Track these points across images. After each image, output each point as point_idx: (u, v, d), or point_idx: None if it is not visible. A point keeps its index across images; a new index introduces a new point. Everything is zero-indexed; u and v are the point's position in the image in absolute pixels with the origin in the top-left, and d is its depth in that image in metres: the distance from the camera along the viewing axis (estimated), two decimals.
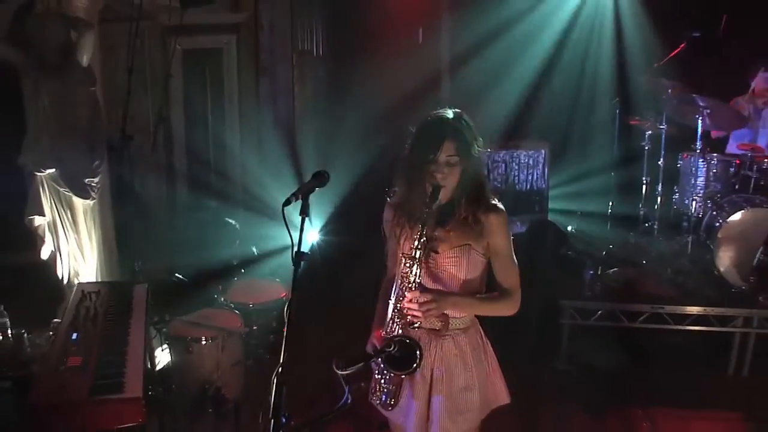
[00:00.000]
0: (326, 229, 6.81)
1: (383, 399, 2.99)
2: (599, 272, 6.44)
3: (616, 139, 7.83)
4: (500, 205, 2.94)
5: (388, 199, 3.09)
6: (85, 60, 5.01)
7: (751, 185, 6.51)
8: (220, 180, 7.18)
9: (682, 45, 6.78)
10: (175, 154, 7.26)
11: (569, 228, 7.63)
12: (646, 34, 7.81)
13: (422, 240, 2.80)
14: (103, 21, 5.56)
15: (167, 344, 4.51)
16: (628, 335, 5.94)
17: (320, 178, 2.76)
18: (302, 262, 2.59)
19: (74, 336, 3.50)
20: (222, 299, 4.94)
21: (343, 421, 4.62)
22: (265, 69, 7.61)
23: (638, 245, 7.17)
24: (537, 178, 7.44)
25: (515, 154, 7.45)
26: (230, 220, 5.91)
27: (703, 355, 5.91)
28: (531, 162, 7.42)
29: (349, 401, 2.87)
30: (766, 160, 6.52)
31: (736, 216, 6.13)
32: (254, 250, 5.89)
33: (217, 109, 7.55)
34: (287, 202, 2.63)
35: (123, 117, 5.05)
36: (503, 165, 7.37)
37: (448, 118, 2.85)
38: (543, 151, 7.52)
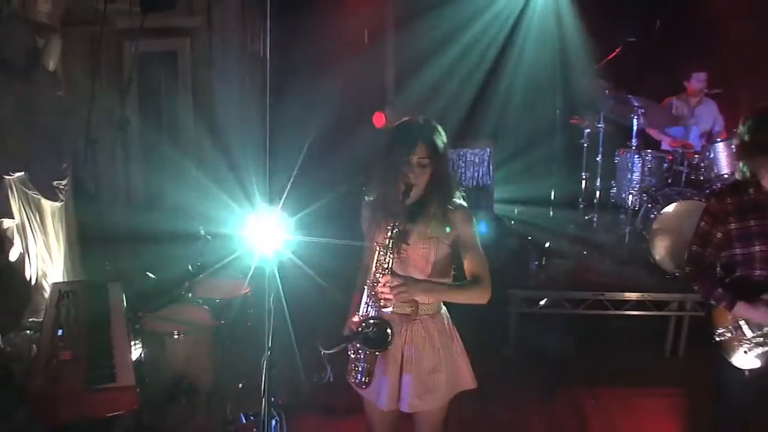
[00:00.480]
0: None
1: (359, 378, 3.23)
2: (543, 263, 6.76)
3: (557, 137, 8.15)
4: (464, 203, 3.24)
5: (365, 198, 3.36)
6: (51, 65, 5.06)
7: (683, 179, 6.95)
8: (177, 180, 7.24)
9: (619, 49, 7.16)
10: (132, 155, 7.29)
11: (513, 222, 7.93)
12: (585, 39, 8.17)
13: (395, 230, 3.07)
14: (63, 25, 5.61)
15: (140, 339, 4.63)
16: (572, 321, 6.26)
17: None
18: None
19: (60, 332, 3.62)
20: (189, 295, 5.08)
21: (309, 413, 4.89)
22: (219, 71, 7.70)
23: (579, 236, 7.50)
24: (483, 175, 7.65)
25: (462, 152, 7.68)
26: (194, 220, 6.00)
27: (642, 337, 6.27)
28: (477, 160, 7.64)
29: (330, 378, 3.16)
30: (696, 156, 6.93)
31: (670, 208, 6.50)
32: (213, 245, 6.00)
33: (172, 111, 7.59)
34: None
35: (88, 120, 5.13)
36: (451, 163, 7.56)
37: (419, 124, 3.13)
38: (488, 150, 7.74)
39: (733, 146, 6.48)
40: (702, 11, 8.17)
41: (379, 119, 8.81)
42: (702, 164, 6.86)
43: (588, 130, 7.50)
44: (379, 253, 3.11)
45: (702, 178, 6.88)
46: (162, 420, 4.38)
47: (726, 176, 6.55)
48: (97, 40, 5.29)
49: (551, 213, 7.95)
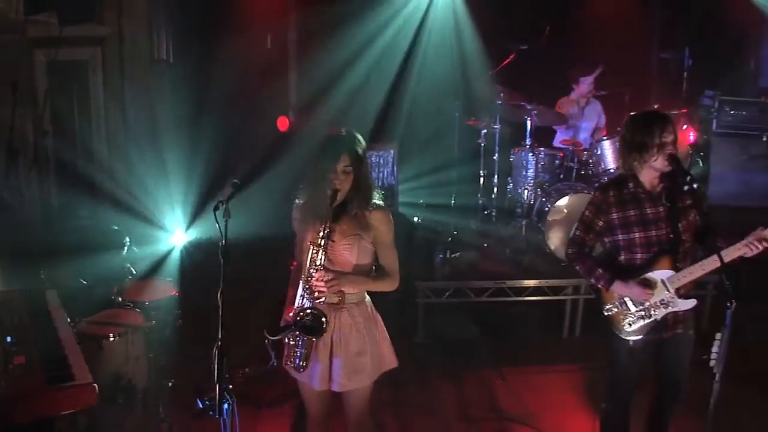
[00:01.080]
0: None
1: (297, 362, 3.51)
2: (447, 255, 7.06)
3: (456, 138, 8.49)
4: (383, 204, 3.62)
5: (296, 201, 3.71)
6: None
7: (573, 174, 7.43)
8: (91, 187, 7.19)
9: (512, 56, 7.58)
10: (48, 165, 7.19)
11: (417, 219, 8.22)
12: (481, 47, 8.59)
13: (326, 231, 3.41)
14: None
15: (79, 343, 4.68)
16: (476, 309, 6.67)
17: (237, 187, 3.28)
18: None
19: (9, 339, 3.62)
20: (120, 299, 5.16)
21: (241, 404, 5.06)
22: (129, 79, 7.72)
23: (479, 230, 7.82)
24: (387, 175, 7.88)
25: (367, 154, 7.84)
26: (114, 226, 6.01)
27: (542, 320, 6.75)
28: (381, 161, 7.87)
29: (275, 363, 3.42)
30: (585, 152, 7.42)
31: (562, 201, 6.97)
32: (135, 250, 6.04)
33: (84, 119, 7.51)
34: (216, 208, 3.16)
35: (10, 131, 5.12)
36: None
37: (343, 136, 3.51)
38: (392, 151, 7.97)
39: (617, 143, 7.04)
40: (586, 20, 8.82)
41: (283, 123, 9.04)
42: (590, 160, 7.31)
43: (485, 131, 7.81)
44: (312, 251, 3.43)
45: (591, 173, 7.35)
46: (103, 420, 4.47)
47: (612, 171, 7.01)
48: (8, 50, 5.24)
49: (453, 209, 8.21)
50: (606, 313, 3.93)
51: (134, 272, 5.34)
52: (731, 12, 9.13)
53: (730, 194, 8.55)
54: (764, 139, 8.93)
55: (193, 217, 7.02)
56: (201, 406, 2.95)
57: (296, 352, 3.52)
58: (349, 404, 3.74)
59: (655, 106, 7.81)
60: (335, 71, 8.72)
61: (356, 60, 8.70)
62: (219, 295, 3.05)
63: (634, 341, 3.86)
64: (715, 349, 3.25)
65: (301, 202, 3.65)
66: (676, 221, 3.77)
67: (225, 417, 2.92)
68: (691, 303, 3.77)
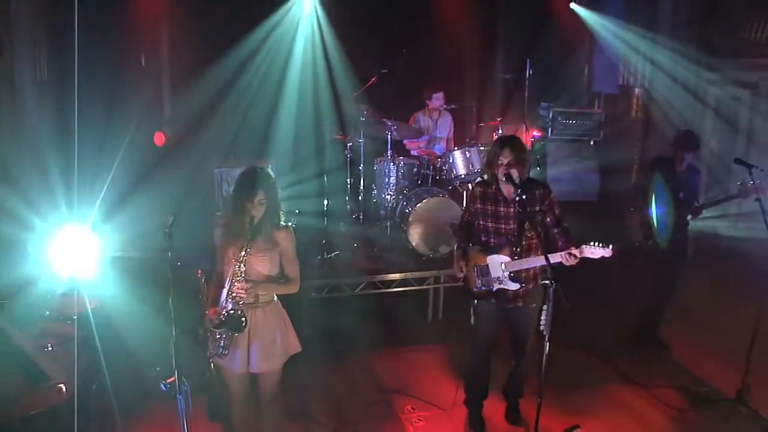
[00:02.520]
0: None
1: (220, 351, 4.41)
2: (324, 256, 7.89)
3: (327, 152, 9.22)
4: (287, 225, 4.56)
5: (217, 223, 4.60)
6: None
7: (430, 180, 8.43)
8: None
9: (374, 78, 8.48)
10: None
11: (292, 224, 8.90)
12: (348, 70, 9.44)
13: (246, 249, 4.29)
14: None
15: None
16: (353, 301, 7.52)
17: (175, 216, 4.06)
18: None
19: None
20: (47, 313, 5.52)
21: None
22: (6, 96, 7.87)
23: (350, 232, 8.59)
24: None
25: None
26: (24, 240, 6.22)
27: (409, 308, 7.73)
28: None
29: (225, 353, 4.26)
30: (439, 160, 8.42)
31: (421, 204, 7.85)
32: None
33: None
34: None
35: None
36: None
37: (259, 173, 4.40)
38: (271, 165, 8.40)
39: (467, 153, 8.18)
40: (438, 44, 9.87)
41: (159, 138, 9.47)
42: (444, 168, 8.30)
43: (350, 144, 8.58)
44: (235, 266, 4.32)
45: (444, 178, 8.33)
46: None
47: (462, 176, 8.11)
48: None
49: (326, 215, 8.75)
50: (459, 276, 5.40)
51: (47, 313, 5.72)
52: (563, 31, 10.65)
53: (566, 192, 9.96)
54: (591, 143, 10.44)
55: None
56: (164, 389, 3.77)
57: (219, 342, 4.40)
58: (264, 385, 4.67)
59: (498, 119, 9.08)
60: (209, 90, 9.15)
61: (231, 80, 9.28)
62: (170, 301, 3.87)
63: (481, 304, 5.21)
64: (543, 318, 4.43)
65: (222, 223, 4.53)
66: (522, 221, 4.97)
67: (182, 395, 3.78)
68: (515, 285, 5.03)
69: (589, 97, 11.53)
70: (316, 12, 9.89)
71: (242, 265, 4.30)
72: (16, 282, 5.62)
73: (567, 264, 4.70)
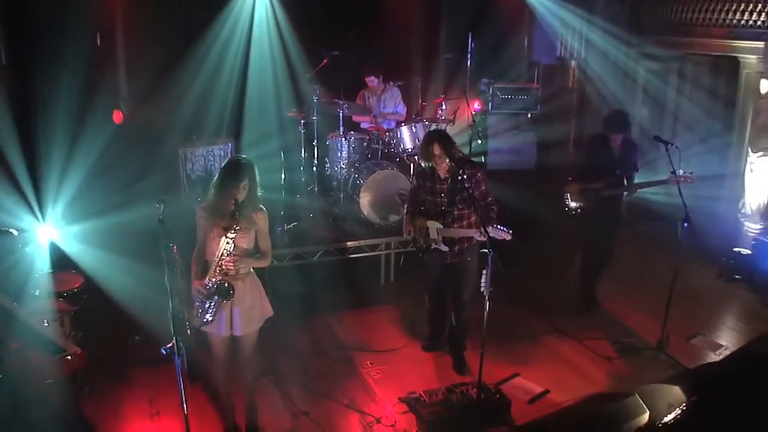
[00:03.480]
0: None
1: (206, 318, 5.05)
2: (284, 227, 8.42)
3: (284, 129, 9.79)
4: (263, 207, 5.17)
5: (200, 206, 5.17)
6: None
7: (379, 154, 9.02)
8: None
9: (325, 60, 9.00)
10: None
11: None
12: (301, 51, 9.90)
13: (236, 228, 4.89)
14: None
15: None
16: (312, 268, 8.09)
17: (164, 202, 4.59)
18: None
19: None
20: (37, 293, 5.88)
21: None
22: None
23: (306, 204, 9.10)
24: None
25: (210, 149, 9.06)
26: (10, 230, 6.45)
27: (364, 272, 8.36)
28: (222, 153, 9.08)
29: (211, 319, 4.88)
30: (387, 134, 9.00)
31: (371, 176, 8.42)
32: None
33: None
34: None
35: None
36: (203, 159, 8.99)
37: (244, 163, 5.03)
38: (230, 144, 9.21)
39: (413, 128, 8.81)
40: (384, 24, 10.46)
41: (117, 116, 9.66)
42: (392, 142, 8.91)
43: (304, 121, 9.03)
44: (223, 242, 4.94)
45: (393, 152, 8.96)
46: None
47: (410, 150, 8.76)
48: None
49: (284, 188, 9.17)
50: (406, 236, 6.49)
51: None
52: (504, 6, 11.39)
53: (506, 162, 10.76)
54: (529, 116, 11.16)
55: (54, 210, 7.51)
56: (165, 352, 4.38)
57: (206, 311, 5.05)
58: (243, 346, 5.31)
59: (442, 96, 9.68)
60: (166, 69, 9.37)
61: (188, 60, 9.55)
62: (166, 277, 4.46)
63: (426, 256, 6.38)
64: (483, 280, 5.18)
65: (205, 205, 5.12)
66: (454, 196, 6.00)
67: (179, 358, 4.40)
68: (446, 248, 6.15)
69: (528, 69, 12.15)
70: None
71: (231, 241, 4.91)
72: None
73: (481, 239, 5.68)
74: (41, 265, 6.45)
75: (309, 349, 6.98)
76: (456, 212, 6.08)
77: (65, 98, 8.43)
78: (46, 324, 5.52)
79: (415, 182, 6.43)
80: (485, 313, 5.24)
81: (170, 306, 4.39)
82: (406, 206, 6.71)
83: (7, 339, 4.66)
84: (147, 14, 9.45)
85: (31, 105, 8.58)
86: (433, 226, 6.16)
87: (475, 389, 5.71)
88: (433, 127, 8.62)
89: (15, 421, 4.63)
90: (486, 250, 5.18)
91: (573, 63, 11.55)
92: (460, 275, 6.32)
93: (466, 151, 9.74)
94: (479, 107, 10.89)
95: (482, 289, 5.25)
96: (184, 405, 4.50)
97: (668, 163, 6.81)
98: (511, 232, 5.56)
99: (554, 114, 11.34)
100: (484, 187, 6.07)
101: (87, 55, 8.81)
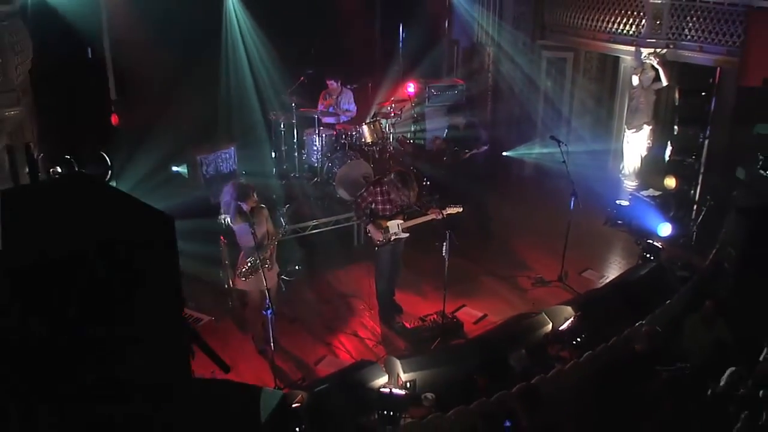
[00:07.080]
0: None
1: (245, 278, 7.72)
2: (284, 210, 10.38)
3: (269, 129, 12.13)
4: (263, 206, 7.83)
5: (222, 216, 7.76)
6: None
7: (346, 147, 11.38)
8: None
9: (302, 78, 11.35)
10: None
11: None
12: (284, 73, 12.05)
13: (279, 230, 7.89)
14: None
15: None
16: (299, 241, 10.31)
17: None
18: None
19: None
20: None
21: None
22: None
23: (292, 188, 11.36)
24: (231, 165, 11.19)
25: (218, 153, 11.03)
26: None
27: (340, 239, 10.73)
28: (228, 156, 11.13)
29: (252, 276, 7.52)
30: (352, 129, 11.44)
31: (343, 165, 10.80)
32: None
33: None
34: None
35: None
36: (214, 162, 10.92)
37: (251, 186, 7.78)
38: (232, 148, 11.26)
39: (371, 126, 11.32)
40: (339, 38, 12.73)
41: (114, 119, 10.60)
42: (355, 137, 11.39)
43: (283, 122, 11.56)
44: (270, 236, 7.71)
45: (357, 144, 11.40)
46: None
47: (370, 143, 11.29)
48: None
49: (272, 178, 11.49)
50: (369, 234, 8.47)
51: None
52: (428, 7, 13.65)
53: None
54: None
55: None
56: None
57: (250, 270, 7.67)
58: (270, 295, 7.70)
59: (389, 101, 12.16)
60: (157, 75, 10.90)
61: (180, 68, 11.13)
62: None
63: (379, 249, 8.39)
64: (444, 248, 8.00)
65: (237, 211, 7.50)
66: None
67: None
68: (405, 235, 8.42)
69: (448, 47, 14.45)
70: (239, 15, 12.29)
71: (273, 236, 7.63)
72: None
73: (437, 219, 8.25)
74: None
75: (316, 297, 9.54)
76: (409, 210, 8.34)
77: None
78: None
79: (369, 199, 8.26)
80: (446, 269, 8.10)
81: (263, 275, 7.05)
82: (363, 218, 8.53)
83: None
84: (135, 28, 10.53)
85: None
86: (394, 223, 8.23)
87: (439, 316, 8.61)
88: (385, 122, 11.54)
89: None
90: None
91: (488, 48, 13.87)
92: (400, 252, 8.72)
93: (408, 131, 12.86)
94: (415, 89, 13.14)
95: (444, 255, 8.04)
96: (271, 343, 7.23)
97: (560, 153, 9.71)
98: (460, 205, 8.27)
99: (475, 102, 13.75)
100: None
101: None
